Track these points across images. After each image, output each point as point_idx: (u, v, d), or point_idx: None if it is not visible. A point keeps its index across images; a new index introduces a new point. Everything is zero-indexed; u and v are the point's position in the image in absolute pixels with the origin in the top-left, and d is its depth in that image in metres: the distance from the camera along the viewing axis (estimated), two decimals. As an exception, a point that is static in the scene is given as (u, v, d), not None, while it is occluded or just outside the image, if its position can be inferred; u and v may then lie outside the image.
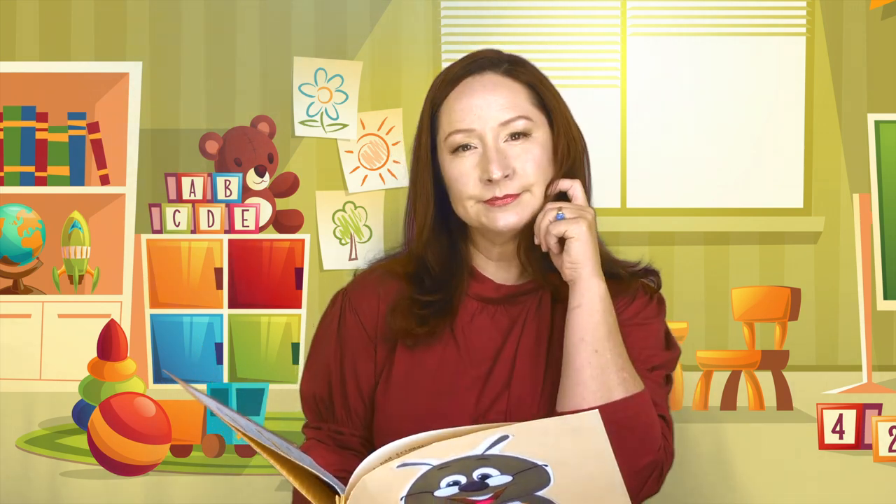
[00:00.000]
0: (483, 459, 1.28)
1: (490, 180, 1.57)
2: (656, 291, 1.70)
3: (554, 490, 1.32)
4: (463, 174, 1.59)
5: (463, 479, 1.30)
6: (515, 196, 1.58)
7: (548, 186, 1.60)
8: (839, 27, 2.05)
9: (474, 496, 1.31)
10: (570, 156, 1.61)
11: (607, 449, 1.29)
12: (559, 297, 1.62)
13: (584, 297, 1.52)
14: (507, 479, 1.30)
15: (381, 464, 1.28)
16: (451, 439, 1.27)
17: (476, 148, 1.59)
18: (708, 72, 2.06)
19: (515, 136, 1.59)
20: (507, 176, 1.57)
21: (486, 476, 1.30)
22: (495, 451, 1.27)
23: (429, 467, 1.27)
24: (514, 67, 1.62)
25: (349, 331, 1.67)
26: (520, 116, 1.59)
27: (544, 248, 1.55)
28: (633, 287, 1.66)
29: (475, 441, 1.27)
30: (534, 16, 2.05)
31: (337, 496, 1.32)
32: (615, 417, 1.44)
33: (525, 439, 1.28)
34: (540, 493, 1.33)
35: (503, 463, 1.29)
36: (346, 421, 1.66)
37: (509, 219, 1.59)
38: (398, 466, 1.27)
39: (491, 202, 1.58)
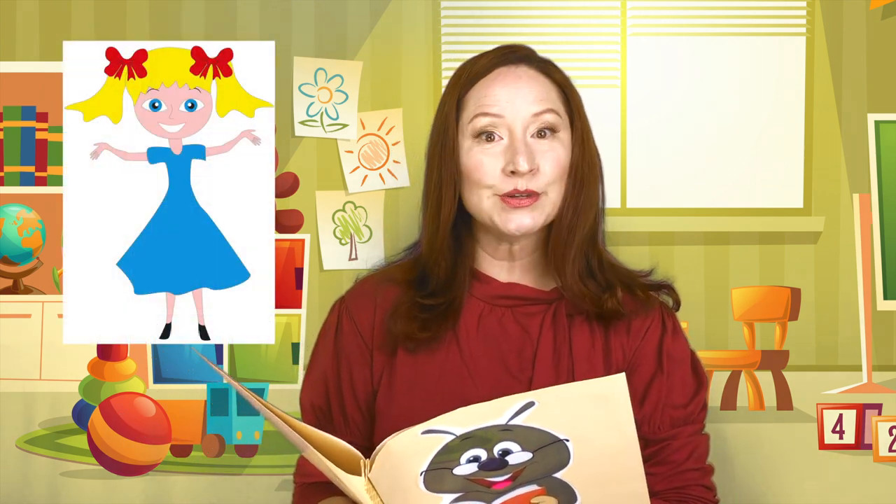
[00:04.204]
0: (506, 431, 1.28)
1: (514, 172, 1.53)
2: (676, 310, 1.69)
3: (573, 471, 1.32)
4: (483, 163, 1.55)
5: (483, 455, 1.30)
6: (535, 197, 1.56)
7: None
8: (839, 27, 2.05)
9: (493, 476, 1.32)
10: (581, 167, 1.58)
11: (630, 419, 1.29)
12: (576, 312, 1.61)
13: None
14: (528, 456, 1.30)
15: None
16: (476, 405, 1.27)
17: (502, 139, 1.56)
18: (708, 72, 2.06)
19: (542, 132, 1.56)
20: (531, 171, 1.56)
21: (506, 452, 1.30)
22: (519, 420, 1.28)
23: (452, 437, 1.28)
24: (548, 66, 1.61)
25: (346, 339, 1.65)
26: (551, 109, 1.56)
27: None
28: (651, 304, 1.65)
29: (500, 408, 1.27)
30: (534, 16, 2.05)
31: (362, 461, 1.32)
32: None
33: (550, 406, 1.28)
34: (558, 475, 1.33)
35: (525, 436, 1.29)
36: (343, 430, 1.65)
37: (524, 221, 1.55)
38: (423, 433, 1.27)
39: (508, 199, 1.55)
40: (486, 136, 1.56)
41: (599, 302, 1.59)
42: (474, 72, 1.59)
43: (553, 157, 1.56)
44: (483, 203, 1.57)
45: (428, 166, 1.63)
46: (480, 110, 1.56)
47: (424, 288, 1.62)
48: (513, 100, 1.55)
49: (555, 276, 1.61)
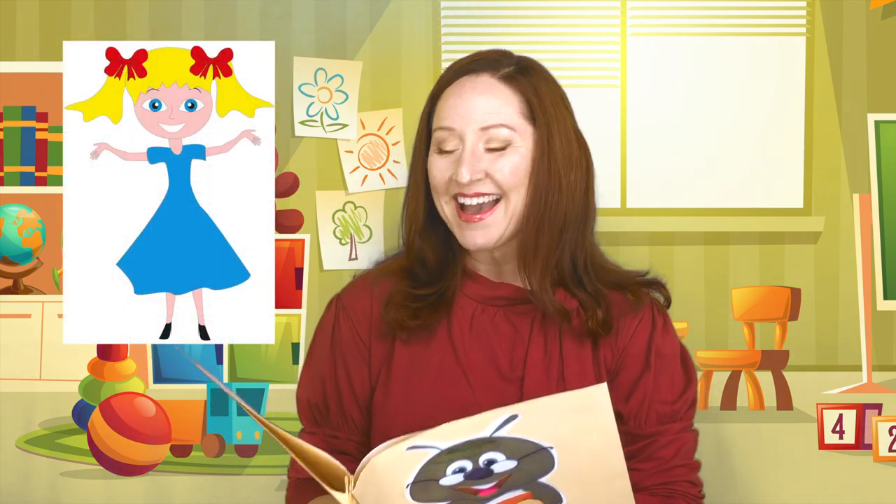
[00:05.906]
0: (490, 442, 1.29)
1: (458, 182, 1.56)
2: (667, 307, 1.69)
3: (557, 475, 1.33)
4: (439, 171, 1.59)
5: (469, 466, 1.31)
6: (489, 210, 1.57)
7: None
8: (839, 27, 2.05)
9: (478, 484, 1.32)
10: (540, 175, 1.57)
11: (612, 424, 1.30)
12: (565, 320, 1.61)
13: None
14: (513, 464, 1.31)
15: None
16: (460, 420, 1.28)
17: (457, 150, 1.58)
18: (708, 72, 2.06)
19: (493, 148, 1.57)
20: (478, 181, 1.56)
21: (491, 462, 1.31)
22: (503, 432, 1.28)
23: (437, 451, 1.28)
24: (515, 75, 1.59)
25: (342, 336, 1.67)
26: (503, 125, 1.56)
27: None
28: (641, 303, 1.65)
29: (484, 422, 1.28)
30: (534, 16, 2.05)
31: (347, 477, 1.33)
32: None
33: (534, 418, 1.29)
34: (543, 480, 1.34)
35: (510, 446, 1.30)
36: (341, 426, 1.66)
37: (476, 239, 1.58)
38: (407, 449, 1.28)
39: (461, 213, 1.57)
40: (445, 146, 1.59)
41: (582, 319, 1.60)
42: (445, 80, 1.63)
43: (507, 164, 1.56)
44: (444, 209, 1.61)
45: (410, 167, 1.67)
46: (438, 124, 1.60)
47: (417, 278, 1.63)
48: (464, 113, 1.57)
49: (525, 284, 1.61)
